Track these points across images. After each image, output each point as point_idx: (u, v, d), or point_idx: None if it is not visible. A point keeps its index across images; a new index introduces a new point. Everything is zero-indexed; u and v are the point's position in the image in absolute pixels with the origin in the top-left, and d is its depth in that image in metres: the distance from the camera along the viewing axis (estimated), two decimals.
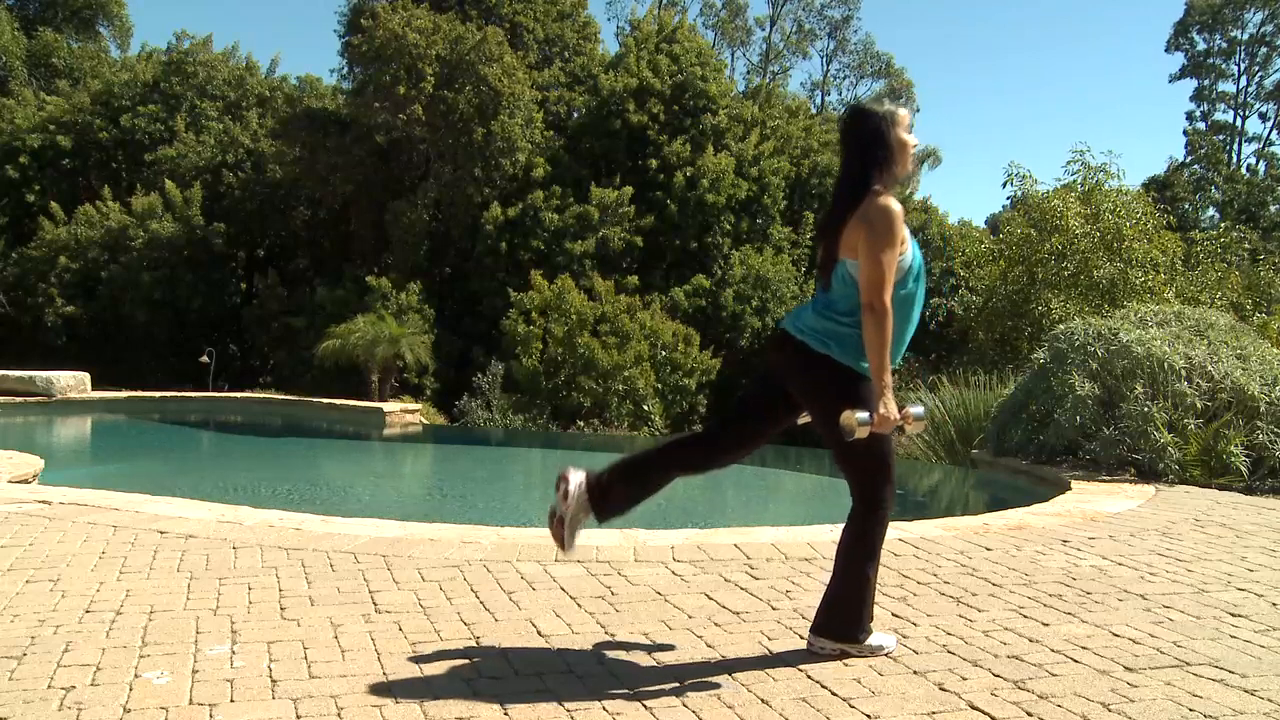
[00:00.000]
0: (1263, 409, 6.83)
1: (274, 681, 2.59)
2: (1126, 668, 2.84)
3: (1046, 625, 3.24)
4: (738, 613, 3.30)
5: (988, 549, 4.38)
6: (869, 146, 2.82)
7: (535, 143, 22.84)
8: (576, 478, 2.98)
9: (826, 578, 3.75)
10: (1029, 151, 77.08)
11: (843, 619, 2.86)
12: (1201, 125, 44.03)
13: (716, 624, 3.18)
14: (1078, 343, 7.61)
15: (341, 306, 20.78)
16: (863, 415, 2.66)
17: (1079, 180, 13.94)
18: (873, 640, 2.87)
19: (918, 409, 2.76)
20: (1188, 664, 2.89)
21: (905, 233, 2.77)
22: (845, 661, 2.84)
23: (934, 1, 68.57)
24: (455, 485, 9.84)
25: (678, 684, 2.64)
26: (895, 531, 4.69)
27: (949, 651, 2.95)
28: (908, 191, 36.15)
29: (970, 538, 4.61)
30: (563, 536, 2.97)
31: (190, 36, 28.83)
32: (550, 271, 20.29)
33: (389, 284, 20.99)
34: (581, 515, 2.99)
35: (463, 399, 18.89)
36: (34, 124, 26.22)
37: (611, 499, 3.02)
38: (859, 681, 2.69)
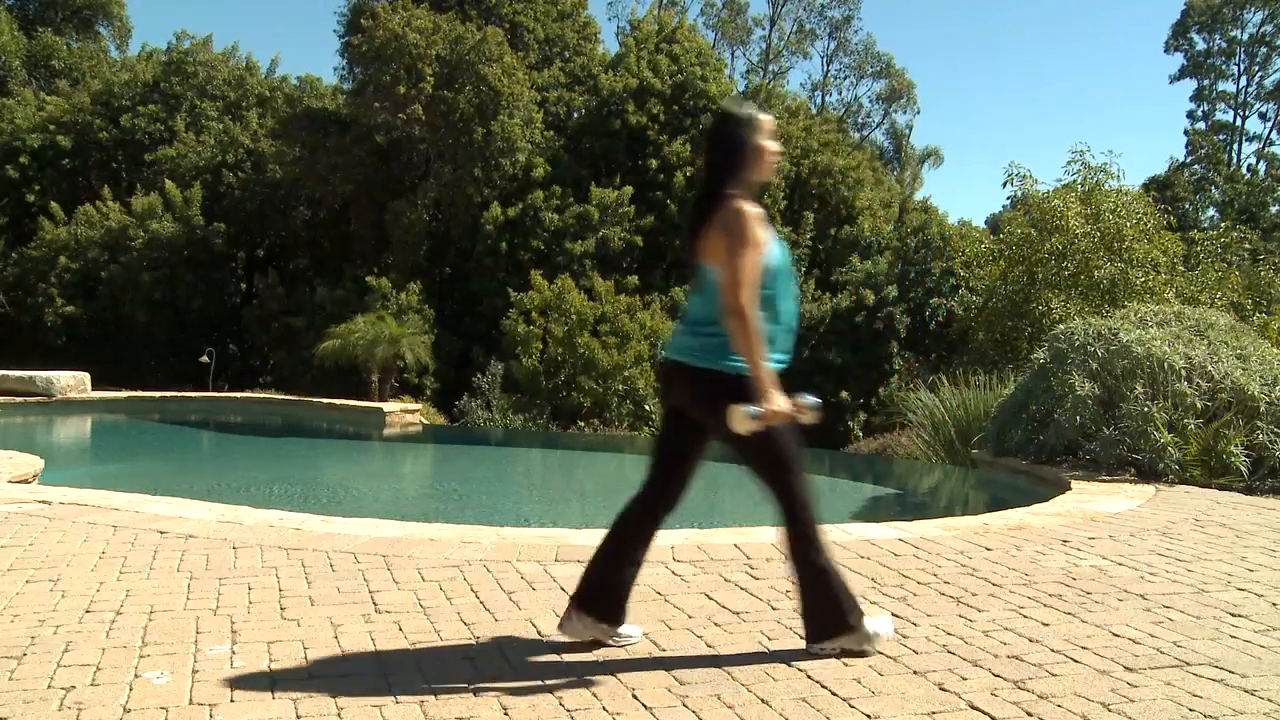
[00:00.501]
0: (1263, 409, 6.83)
1: (274, 681, 2.59)
2: (1126, 668, 2.84)
3: (1046, 625, 3.24)
4: (738, 613, 3.30)
5: (988, 549, 4.38)
6: (728, 151, 2.84)
7: (535, 143, 22.85)
8: (572, 621, 2.92)
9: None
10: (1029, 152, 77.08)
11: (825, 619, 2.85)
12: (1202, 125, 44.04)
13: (716, 624, 3.18)
14: (1078, 343, 7.61)
15: (341, 306, 20.78)
16: (751, 409, 2.68)
17: (1079, 180, 13.93)
18: (867, 624, 2.86)
19: (810, 399, 2.78)
20: (1188, 664, 2.89)
21: (764, 234, 2.78)
22: (845, 661, 2.84)
23: (934, 1, 68.60)
24: (455, 485, 9.84)
25: (678, 684, 2.64)
26: (895, 531, 4.69)
27: (949, 651, 2.95)
28: (910, 193, 36.19)
29: (970, 538, 4.61)
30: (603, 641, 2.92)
31: (190, 36, 28.85)
32: (550, 271, 20.29)
33: (389, 284, 20.99)
34: (598, 633, 2.93)
35: (463, 399, 18.89)
36: (34, 124, 26.22)
37: (606, 600, 2.95)
38: (859, 681, 2.69)
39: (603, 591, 2.93)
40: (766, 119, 2.88)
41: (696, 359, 2.82)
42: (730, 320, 2.69)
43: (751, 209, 2.75)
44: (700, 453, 2.98)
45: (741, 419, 2.67)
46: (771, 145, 2.87)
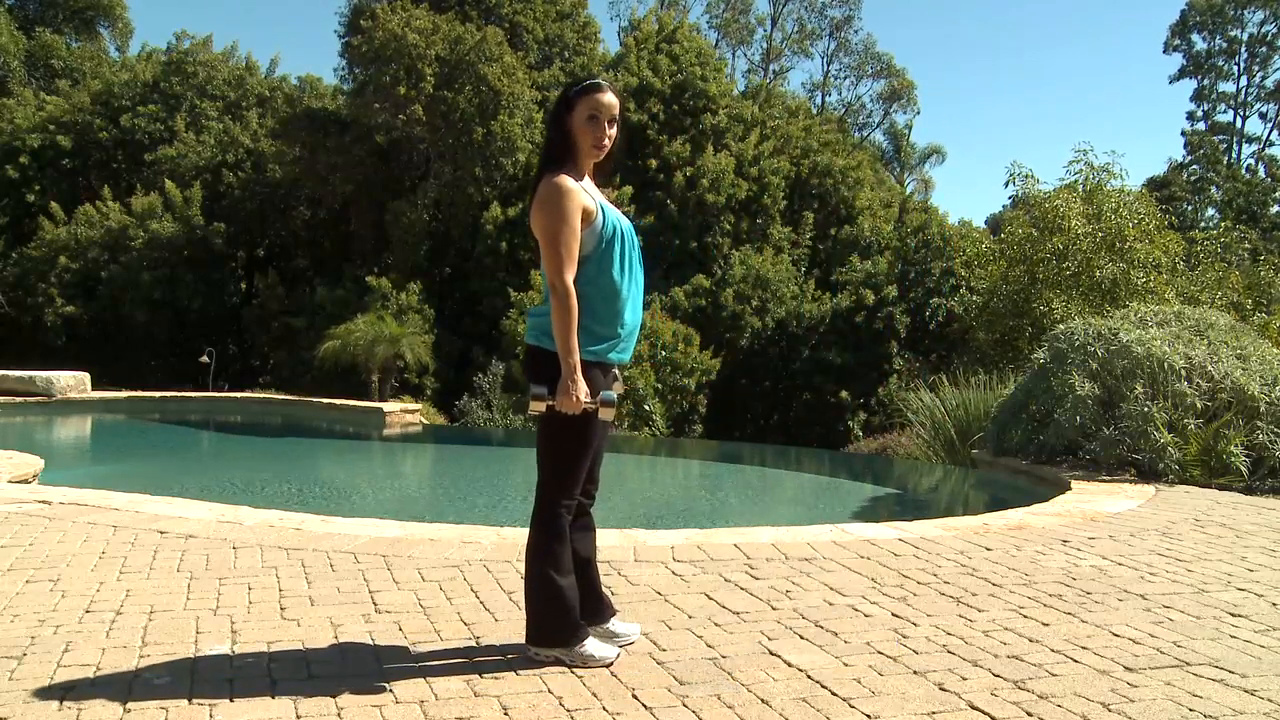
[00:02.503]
0: (1263, 409, 6.83)
1: (274, 681, 2.59)
2: (1126, 668, 2.84)
3: (1046, 625, 3.24)
4: (738, 613, 3.30)
5: (988, 549, 4.38)
6: (552, 129, 2.78)
7: (535, 143, 22.82)
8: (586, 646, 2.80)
9: (827, 578, 3.77)
10: (1029, 152, 77.11)
11: (541, 625, 2.75)
12: (1201, 125, 44.04)
13: (716, 624, 3.18)
14: (1078, 343, 7.61)
15: (341, 306, 20.78)
16: (541, 389, 2.61)
17: (1082, 180, 13.93)
18: (587, 647, 2.74)
19: (610, 395, 2.67)
20: (1188, 664, 2.89)
21: (590, 203, 2.69)
22: (845, 661, 2.84)
23: (934, 1, 68.60)
24: (455, 485, 9.84)
25: (678, 684, 2.64)
26: (895, 531, 4.69)
27: (949, 651, 2.95)
28: (925, 197, 36.15)
29: (970, 538, 4.61)
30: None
31: (190, 36, 28.86)
32: None
33: (389, 284, 20.99)
34: (590, 650, 2.81)
35: (463, 399, 18.88)
36: (34, 124, 26.23)
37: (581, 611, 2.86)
38: (859, 681, 2.69)
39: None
40: (596, 96, 2.73)
41: (535, 338, 2.77)
42: (551, 298, 2.63)
43: (570, 183, 2.66)
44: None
45: (531, 399, 2.60)
46: (598, 122, 2.73)
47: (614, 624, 2.94)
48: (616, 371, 2.86)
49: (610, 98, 2.76)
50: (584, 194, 2.69)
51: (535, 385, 2.63)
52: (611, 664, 2.76)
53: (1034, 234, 13.48)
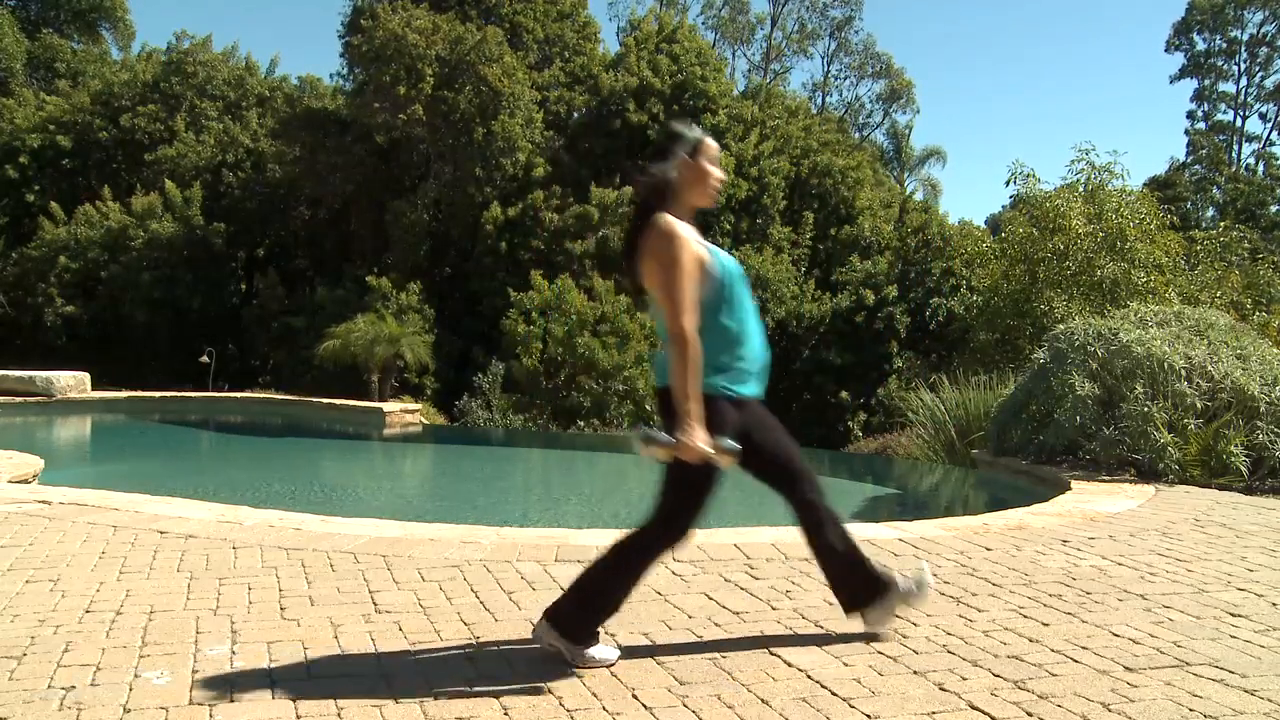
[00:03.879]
0: (1263, 409, 6.83)
1: (274, 681, 2.59)
2: (1126, 668, 2.84)
3: (1046, 625, 3.24)
4: (738, 613, 3.30)
5: (988, 549, 4.38)
6: (667, 171, 2.78)
7: (535, 143, 22.85)
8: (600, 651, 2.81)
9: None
10: (1029, 152, 77.10)
11: (578, 616, 2.76)
12: (1202, 126, 44.05)
13: (716, 624, 3.18)
14: (1078, 343, 7.61)
15: (341, 306, 20.77)
16: (663, 436, 2.61)
17: (1084, 180, 13.94)
18: (593, 650, 2.75)
19: (729, 443, 2.66)
20: (1188, 664, 2.89)
21: (703, 248, 2.73)
22: (845, 661, 2.84)
23: (935, 1, 68.60)
24: (455, 485, 9.84)
25: (678, 684, 2.64)
26: (895, 531, 4.70)
27: (949, 651, 2.95)
28: (910, 191, 36.16)
29: (970, 538, 4.61)
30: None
31: (190, 36, 28.84)
32: (550, 271, 20.29)
33: (389, 284, 20.98)
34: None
35: (463, 399, 18.88)
36: (34, 124, 26.22)
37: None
38: (859, 681, 2.69)
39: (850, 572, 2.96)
40: (709, 141, 2.82)
41: (662, 378, 2.78)
42: (671, 345, 2.63)
43: (680, 228, 2.69)
44: (767, 444, 2.88)
45: (647, 444, 2.59)
46: (715, 171, 2.81)
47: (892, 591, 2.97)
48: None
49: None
50: (695, 240, 2.72)
51: (657, 433, 2.61)
52: (611, 664, 2.77)
53: (1034, 233, 13.48)
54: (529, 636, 3.00)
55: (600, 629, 2.83)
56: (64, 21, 34.42)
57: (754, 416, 2.85)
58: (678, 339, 2.61)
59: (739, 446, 2.68)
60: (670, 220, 2.70)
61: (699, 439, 2.59)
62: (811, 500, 2.93)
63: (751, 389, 2.81)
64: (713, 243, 2.89)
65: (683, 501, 2.76)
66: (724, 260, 2.81)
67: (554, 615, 2.78)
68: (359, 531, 4.39)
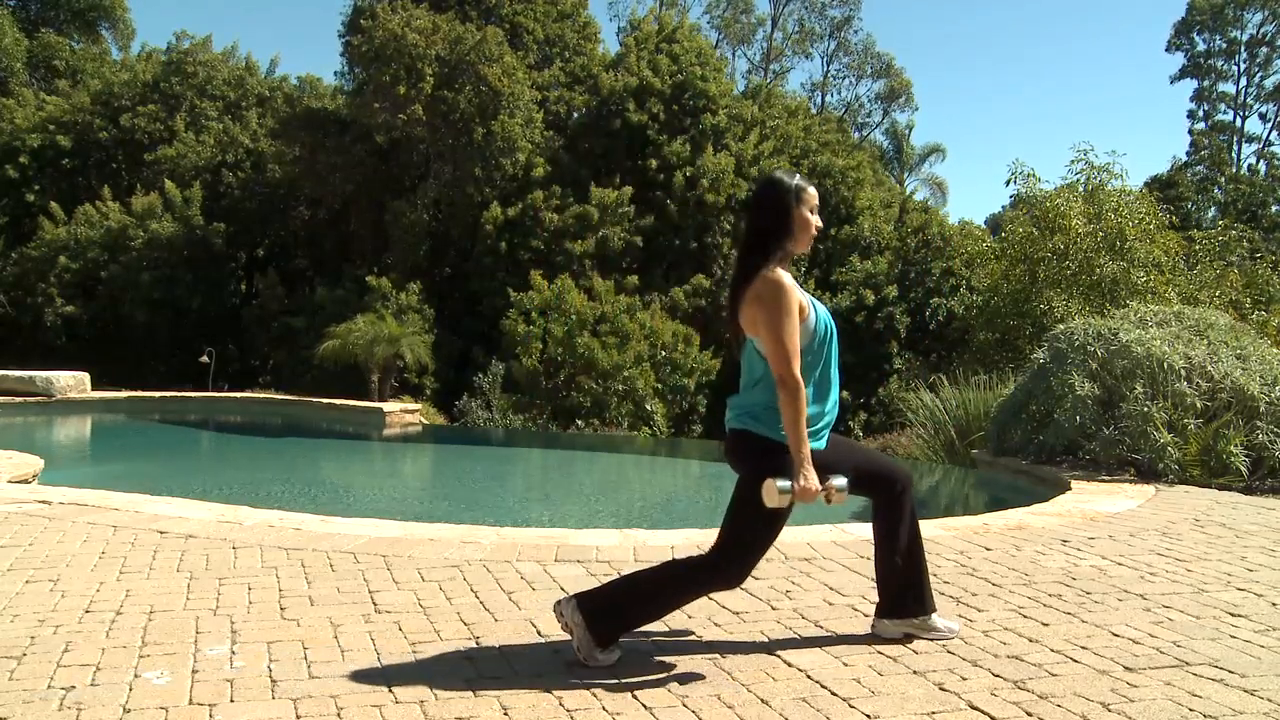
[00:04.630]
0: (1262, 409, 6.83)
1: (274, 681, 2.59)
2: (1126, 668, 2.84)
3: (1046, 625, 3.24)
4: (738, 613, 3.30)
5: (987, 549, 4.38)
6: (770, 219, 2.83)
7: (535, 143, 22.84)
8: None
9: (827, 578, 3.77)
10: (1029, 152, 77.11)
11: (608, 618, 2.77)
12: (1202, 126, 44.06)
13: (716, 624, 3.18)
14: (1077, 343, 7.61)
15: (341, 306, 20.77)
16: (784, 484, 2.67)
17: (1083, 180, 13.95)
18: (601, 655, 2.76)
19: (840, 480, 2.75)
20: (1187, 664, 2.89)
21: (805, 299, 2.79)
22: (845, 661, 2.84)
23: (935, 2, 68.60)
24: (455, 485, 9.84)
25: (678, 684, 2.64)
26: None
27: (949, 651, 2.95)
28: (910, 191, 36.15)
29: (970, 538, 4.61)
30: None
31: (190, 36, 28.85)
32: (550, 271, 20.29)
33: (389, 284, 20.98)
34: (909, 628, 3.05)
35: (463, 399, 18.88)
36: (34, 124, 26.22)
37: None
38: (859, 681, 2.69)
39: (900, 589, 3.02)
40: (811, 190, 2.88)
41: (741, 422, 2.84)
42: (780, 391, 2.70)
43: (787, 279, 2.75)
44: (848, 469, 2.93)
45: (770, 493, 2.65)
46: (815, 219, 2.88)
47: (934, 618, 3.06)
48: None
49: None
50: (798, 290, 2.78)
51: (780, 479, 2.66)
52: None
53: (1034, 233, 13.49)
54: (529, 636, 3.00)
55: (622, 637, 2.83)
56: (63, 21, 34.41)
57: (830, 453, 2.88)
58: (788, 385, 2.68)
59: (846, 481, 2.76)
60: (779, 272, 2.77)
61: (814, 482, 2.67)
62: (899, 500, 2.99)
63: (822, 443, 2.85)
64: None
65: (748, 543, 2.81)
66: (821, 314, 2.87)
67: (587, 604, 2.78)
68: (359, 531, 4.39)
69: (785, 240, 2.82)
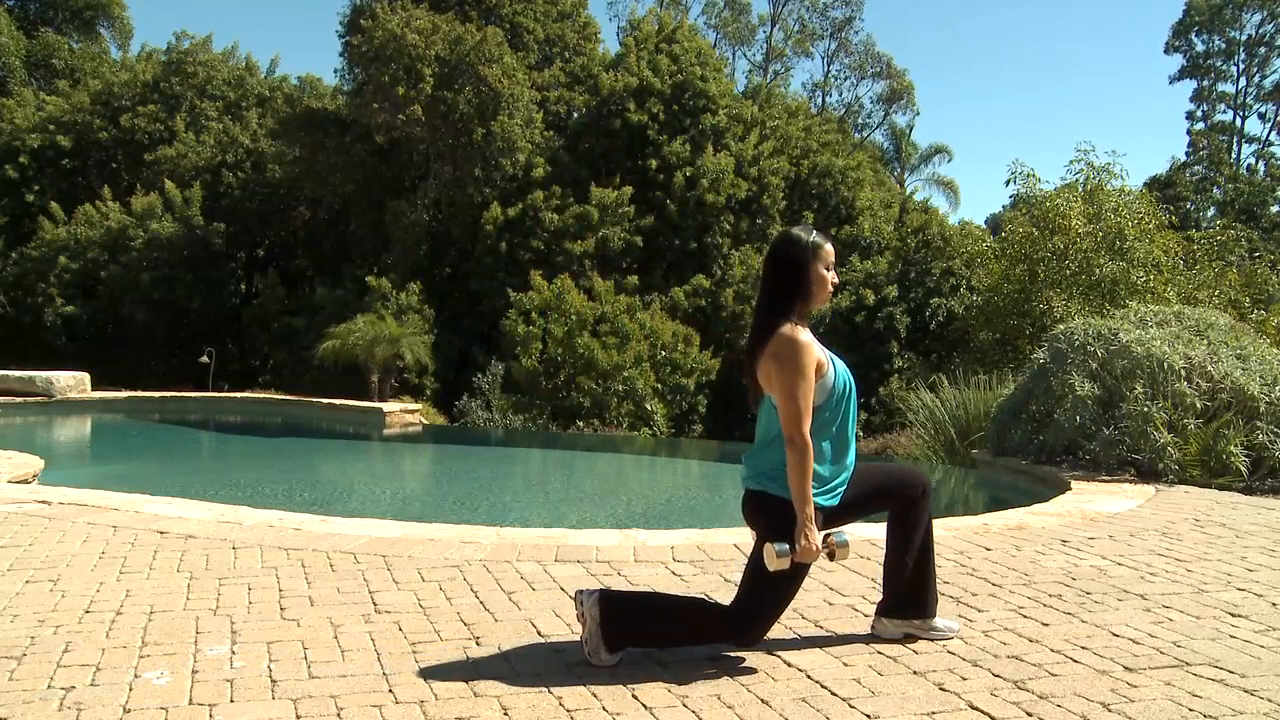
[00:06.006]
0: (1262, 409, 6.83)
1: (274, 681, 2.59)
2: (1126, 668, 2.84)
3: (1046, 625, 3.24)
4: None
5: (987, 549, 4.38)
6: (786, 276, 2.85)
7: (535, 143, 22.85)
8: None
9: (827, 578, 3.77)
10: (1029, 152, 77.12)
11: (622, 630, 2.77)
12: (1201, 126, 44.05)
13: None
14: (1077, 343, 7.61)
15: (341, 306, 20.77)
16: (783, 546, 2.69)
17: (1083, 180, 13.95)
18: (607, 656, 2.76)
19: (843, 537, 2.79)
20: (1187, 664, 2.89)
21: (824, 355, 2.81)
22: (845, 661, 2.84)
23: (936, 2, 68.60)
24: (455, 485, 9.84)
25: (678, 684, 2.64)
26: None
27: (949, 652, 2.95)
28: (910, 192, 36.13)
29: (970, 538, 4.61)
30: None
31: (190, 36, 28.84)
32: (550, 271, 20.29)
33: (389, 284, 20.99)
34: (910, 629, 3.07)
35: (463, 399, 18.88)
36: (33, 124, 26.22)
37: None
38: (859, 682, 2.69)
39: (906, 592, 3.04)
40: (828, 247, 2.89)
41: (758, 482, 2.86)
42: (788, 449, 2.72)
43: (805, 337, 2.77)
44: (860, 499, 2.96)
45: (770, 557, 2.68)
46: (830, 275, 2.89)
47: (937, 620, 3.08)
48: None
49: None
50: (817, 347, 2.80)
51: (778, 543, 2.70)
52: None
53: (1034, 233, 13.49)
54: (529, 636, 3.00)
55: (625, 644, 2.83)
56: (62, 20, 34.42)
57: (847, 493, 2.91)
58: (796, 444, 2.70)
59: (848, 539, 2.82)
60: (796, 330, 2.79)
61: (815, 542, 2.71)
62: (917, 504, 3.01)
63: (835, 500, 2.87)
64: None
65: (766, 603, 2.83)
66: (840, 370, 2.88)
67: (606, 603, 2.78)
68: (359, 532, 4.39)
69: (803, 298, 2.84)
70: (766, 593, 2.81)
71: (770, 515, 2.80)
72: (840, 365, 2.90)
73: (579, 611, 2.80)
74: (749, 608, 2.82)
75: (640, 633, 2.83)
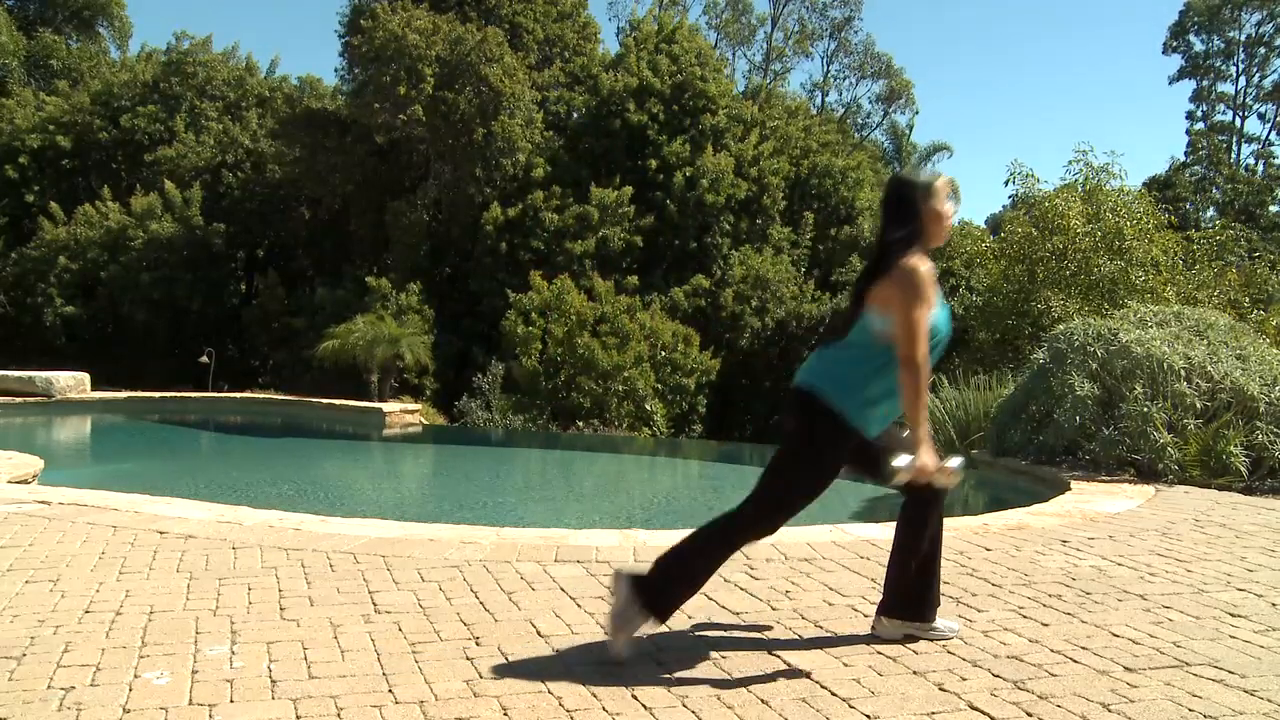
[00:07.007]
0: (1262, 409, 6.83)
1: (273, 682, 2.59)
2: (1126, 668, 2.84)
3: (1046, 625, 3.24)
4: (738, 613, 3.30)
5: (987, 549, 4.38)
6: (903, 217, 2.90)
7: (535, 143, 22.84)
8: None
9: (827, 578, 3.78)
10: (1029, 152, 77.09)
11: (658, 595, 2.85)
12: (1201, 126, 44.05)
13: (716, 624, 3.18)
14: (1077, 343, 7.61)
15: (341, 307, 20.77)
16: (902, 460, 2.77)
17: (1081, 180, 13.96)
18: (639, 625, 2.85)
19: (955, 461, 2.88)
20: (1187, 664, 2.89)
21: (935, 295, 2.85)
22: (845, 662, 2.84)
23: (934, 2, 68.62)
24: (455, 486, 9.84)
25: (678, 684, 2.64)
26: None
27: (949, 652, 2.95)
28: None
29: (970, 538, 4.61)
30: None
31: (190, 37, 28.85)
32: (550, 272, 20.29)
33: (389, 284, 20.98)
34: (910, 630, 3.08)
35: (462, 399, 18.88)
36: (33, 124, 26.22)
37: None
38: (859, 682, 2.69)
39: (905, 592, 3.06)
40: (941, 184, 2.94)
41: (811, 378, 2.91)
42: (903, 371, 2.76)
43: (926, 266, 2.82)
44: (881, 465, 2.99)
45: (898, 470, 2.76)
46: (947, 209, 2.93)
47: (938, 622, 3.10)
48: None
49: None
50: (934, 284, 2.86)
51: (901, 459, 2.79)
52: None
53: (1034, 233, 13.49)
54: (528, 637, 3.00)
55: (677, 609, 2.92)
56: (61, 20, 34.42)
57: (886, 439, 2.96)
58: (913, 366, 2.76)
59: (961, 461, 2.92)
60: (923, 261, 2.84)
61: (933, 460, 2.79)
62: (931, 503, 3.04)
63: (874, 432, 2.92)
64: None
65: (782, 499, 2.90)
66: (942, 318, 2.94)
67: (645, 599, 2.84)
68: (358, 532, 4.39)
69: (920, 238, 2.89)
70: (785, 490, 2.89)
71: (807, 416, 2.87)
72: (944, 313, 2.95)
73: (615, 589, 2.88)
74: (767, 503, 2.90)
75: (681, 588, 2.91)
